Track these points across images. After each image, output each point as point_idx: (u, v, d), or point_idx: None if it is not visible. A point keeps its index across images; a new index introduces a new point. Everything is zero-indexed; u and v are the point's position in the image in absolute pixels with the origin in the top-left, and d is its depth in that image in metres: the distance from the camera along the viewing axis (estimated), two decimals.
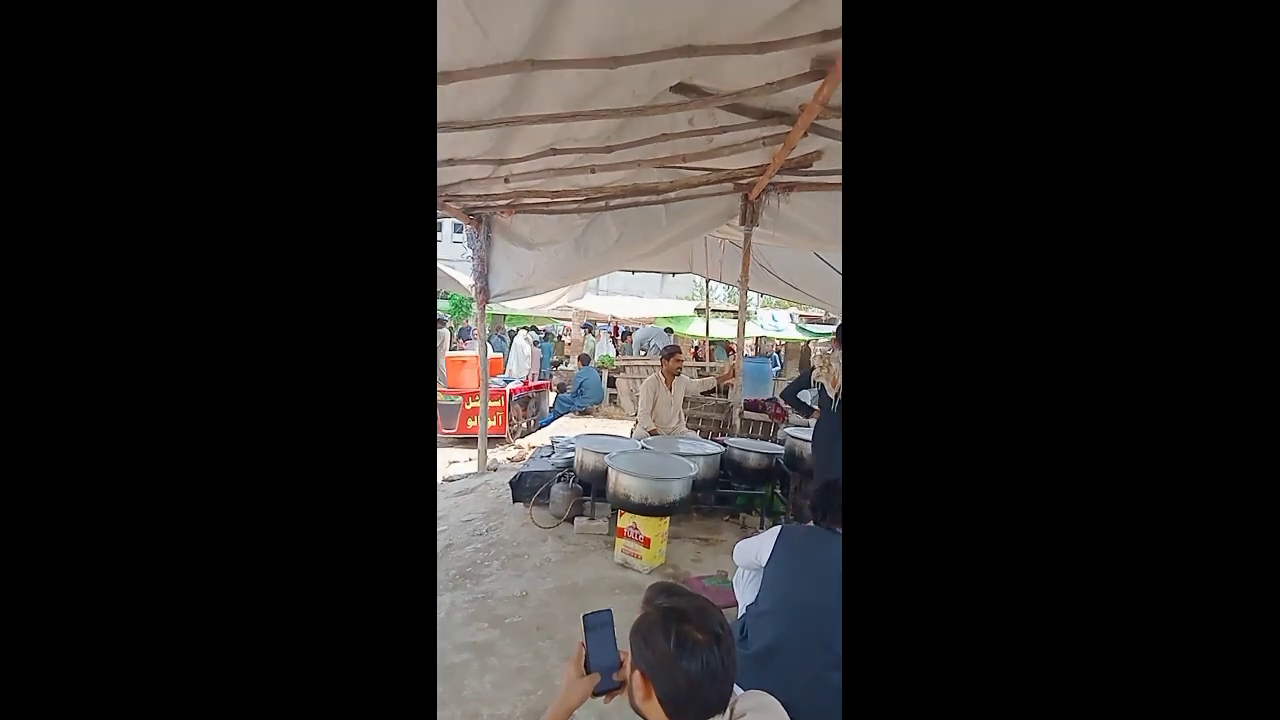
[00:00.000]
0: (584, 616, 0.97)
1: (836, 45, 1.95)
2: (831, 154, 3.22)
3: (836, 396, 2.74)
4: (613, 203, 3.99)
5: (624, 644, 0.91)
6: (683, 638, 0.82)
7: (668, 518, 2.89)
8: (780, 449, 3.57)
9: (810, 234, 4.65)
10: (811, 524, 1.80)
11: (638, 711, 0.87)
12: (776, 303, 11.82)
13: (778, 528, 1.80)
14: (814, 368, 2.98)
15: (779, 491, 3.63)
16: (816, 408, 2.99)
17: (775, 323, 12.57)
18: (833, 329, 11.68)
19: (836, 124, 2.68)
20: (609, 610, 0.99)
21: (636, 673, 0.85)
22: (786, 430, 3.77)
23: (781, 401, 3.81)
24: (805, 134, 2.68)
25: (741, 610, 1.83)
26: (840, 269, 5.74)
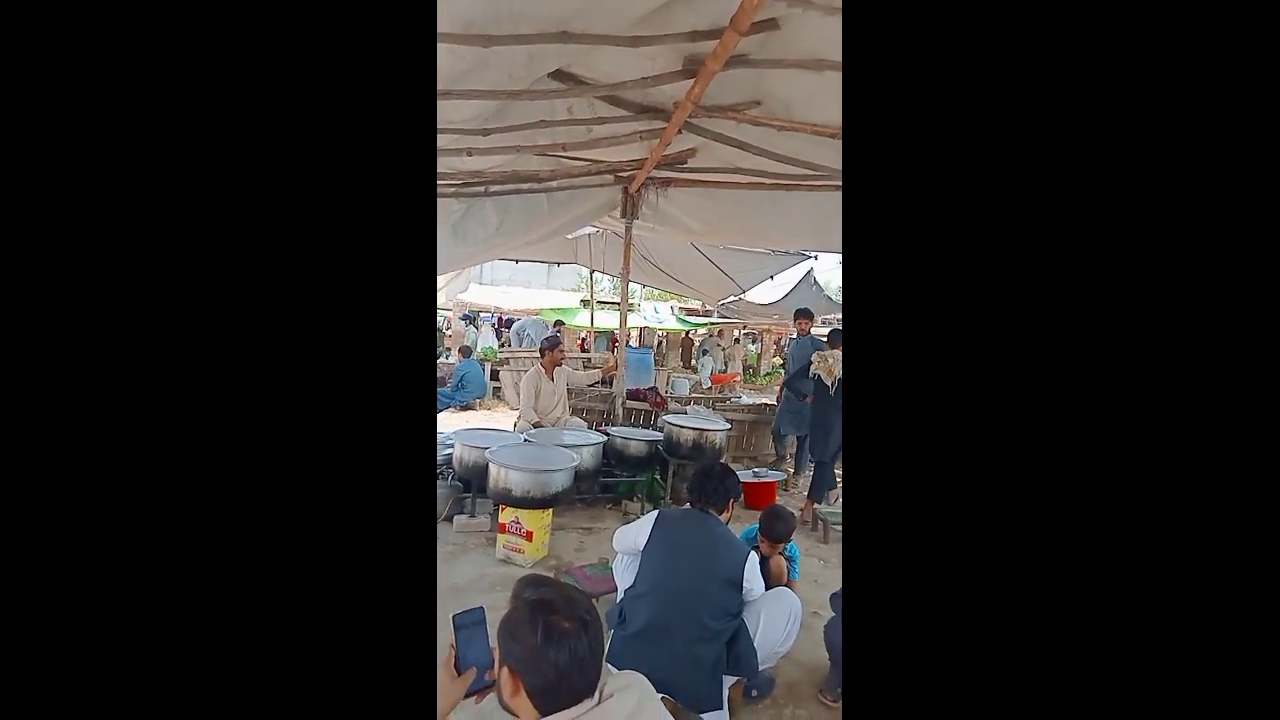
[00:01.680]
0: (453, 617, 0.94)
1: (707, 45, 2.03)
2: (705, 152, 3.36)
3: (835, 384, 3.52)
4: (492, 189, 3.86)
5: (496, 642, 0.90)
6: (550, 628, 0.82)
7: (550, 509, 2.88)
8: (660, 436, 3.69)
9: (687, 228, 4.83)
10: (688, 506, 1.89)
11: (506, 708, 0.86)
12: (659, 295, 12.15)
13: (655, 512, 1.86)
14: (812, 363, 3.69)
15: (659, 477, 3.75)
16: (810, 395, 3.78)
17: (657, 314, 12.92)
18: (709, 320, 12.24)
19: (709, 123, 2.80)
20: (481, 608, 0.96)
21: (504, 669, 0.84)
22: (666, 418, 3.90)
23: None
24: (680, 131, 2.77)
25: (620, 594, 1.88)
26: (717, 263, 6.03)
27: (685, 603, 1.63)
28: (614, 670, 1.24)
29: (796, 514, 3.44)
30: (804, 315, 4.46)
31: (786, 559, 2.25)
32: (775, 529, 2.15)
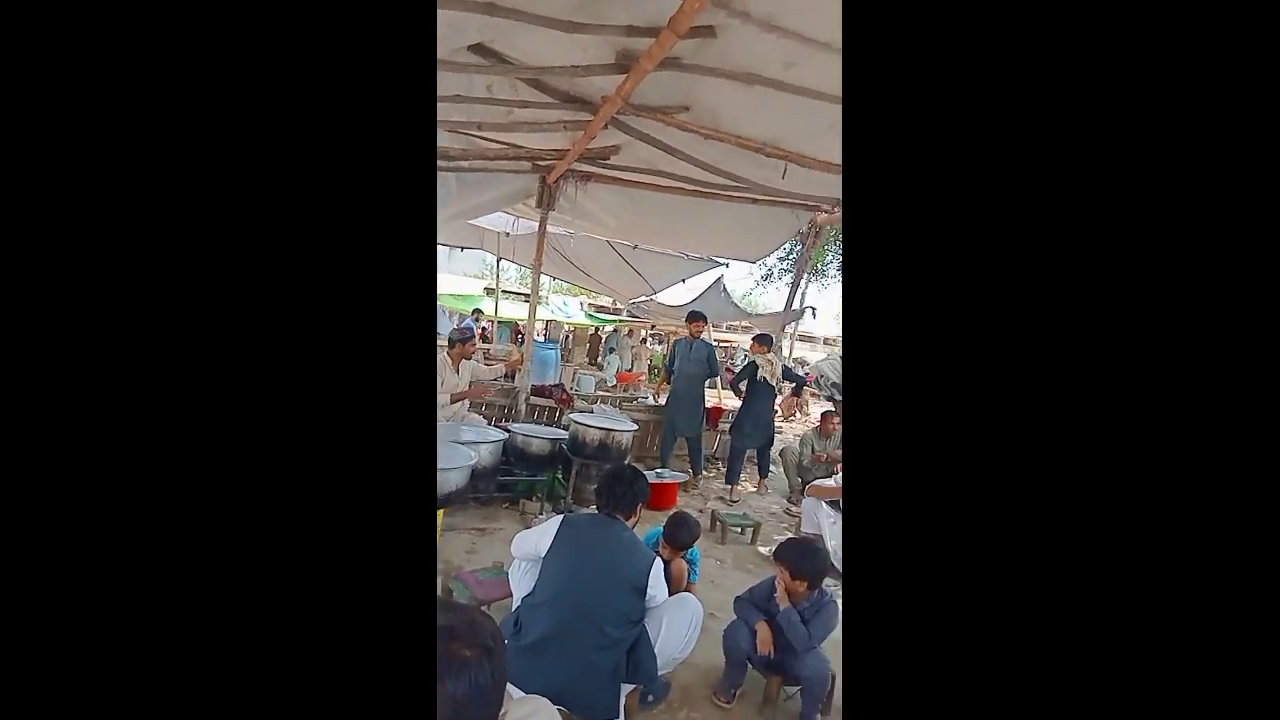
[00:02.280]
0: None
1: (642, 43, 1.99)
2: (629, 150, 3.32)
3: (777, 383, 4.34)
4: None
5: None
6: (449, 658, 0.74)
7: (442, 510, 2.71)
8: (565, 434, 3.61)
9: (604, 225, 4.78)
10: (594, 511, 1.84)
11: None
12: (568, 289, 11.99)
13: (559, 516, 1.80)
14: (756, 364, 4.34)
15: (561, 477, 3.67)
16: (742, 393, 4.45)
17: (565, 308, 12.75)
18: (619, 318, 12.27)
19: (637, 120, 2.77)
20: None
21: None
22: (572, 415, 3.83)
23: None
24: (605, 126, 2.71)
25: (517, 602, 1.79)
26: (631, 262, 6.03)
27: (587, 611, 1.59)
28: (516, 695, 1.16)
29: (697, 516, 3.57)
30: (698, 319, 4.64)
31: (688, 562, 2.27)
32: (680, 537, 2.16)
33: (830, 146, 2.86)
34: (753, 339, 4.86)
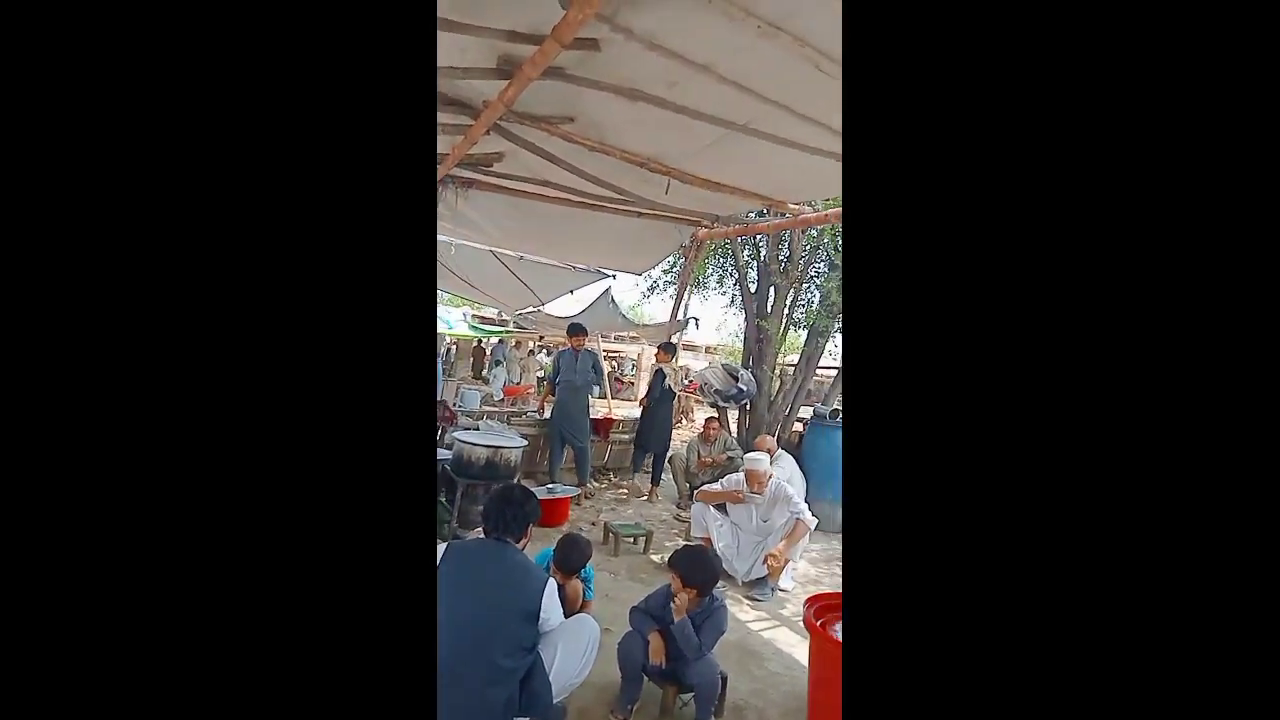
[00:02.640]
0: None
1: (526, 49, 1.95)
2: (513, 159, 3.24)
3: (680, 388, 4.72)
4: None
5: None
6: None
7: None
8: (449, 454, 3.40)
9: (486, 234, 4.62)
10: (482, 536, 1.74)
11: None
12: (450, 299, 11.45)
13: (444, 545, 1.68)
14: (664, 372, 4.66)
15: (445, 500, 3.46)
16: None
17: (447, 320, 12.15)
18: (505, 330, 11.92)
19: (521, 128, 2.71)
20: None
21: None
22: (456, 434, 3.63)
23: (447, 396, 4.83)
24: (488, 132, 2.63)
25: None
26: (517, 273, 5.88)
27: (477, 643, 1.49)
28: None
29: (589, 528, 3.54)
30: (579, 332, 4.66)
31: (582, 580, 2.22)
32: (571, 561, 2.10)
33: (711, 164, 2.99)
34: (658, 348, 5.03)
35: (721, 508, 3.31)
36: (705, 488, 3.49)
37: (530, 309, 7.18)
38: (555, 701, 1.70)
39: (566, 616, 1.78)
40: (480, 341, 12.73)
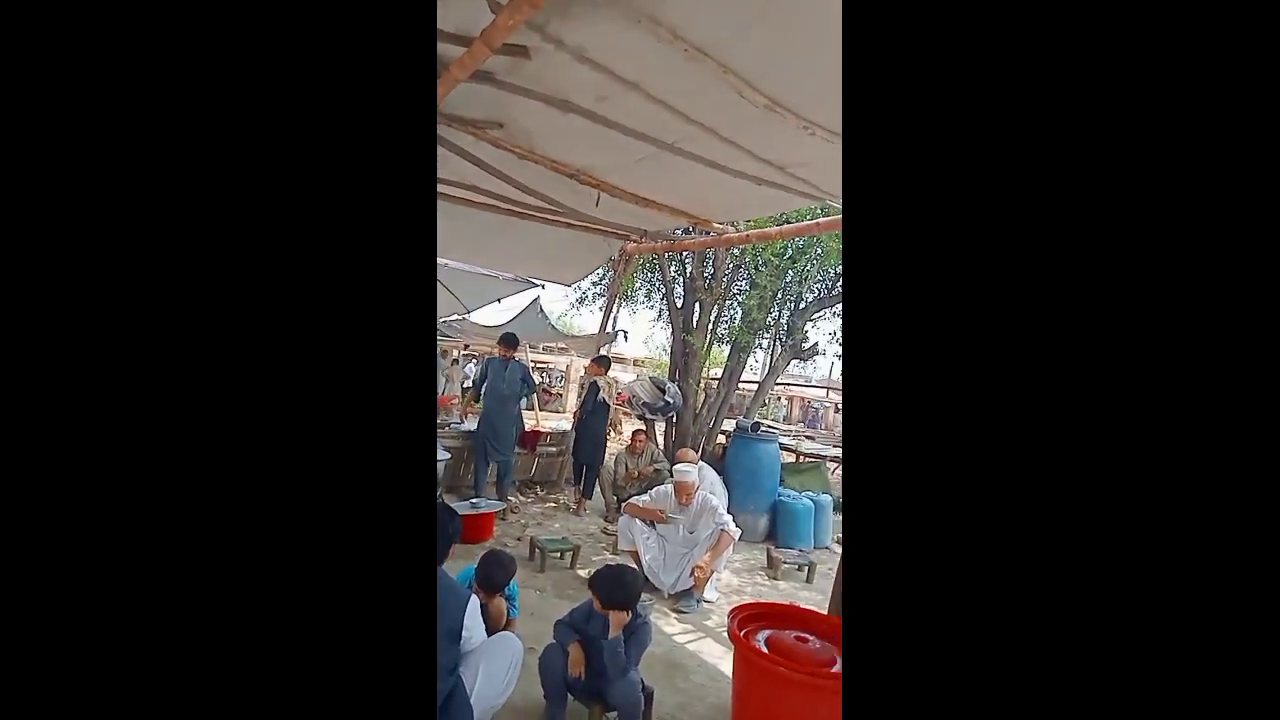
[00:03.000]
0: None
1: (454, 50, 1.90)
2: (441, 163, 3.14)
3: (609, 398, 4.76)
4: None
5: None
6: None
7: None
8: None
9: None
10: None
11: None
12: None
13: None
14: (598, 385, 4.68)
15: None
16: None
17: None
18: (453, 326, 11.45)
19: (449, 131, 2.63)
20: None
21: None
22: None
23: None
24: None
25: None
26: (442, 280, 5.68)
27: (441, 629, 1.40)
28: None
29: (515, 543, 3.43)
30: (509, 343, 4.57)
31: (506, 598, 2.16)
32: (494, 579, 2.03)
33: (640, 180, 3.04)
34: (592, 360, 5.02)
35: (649, 523, 3.32)
36: (633, 500, 3.50)
37: (456, 316, 6.96)
38: None
39: (489, 635, 1.72)
40: None
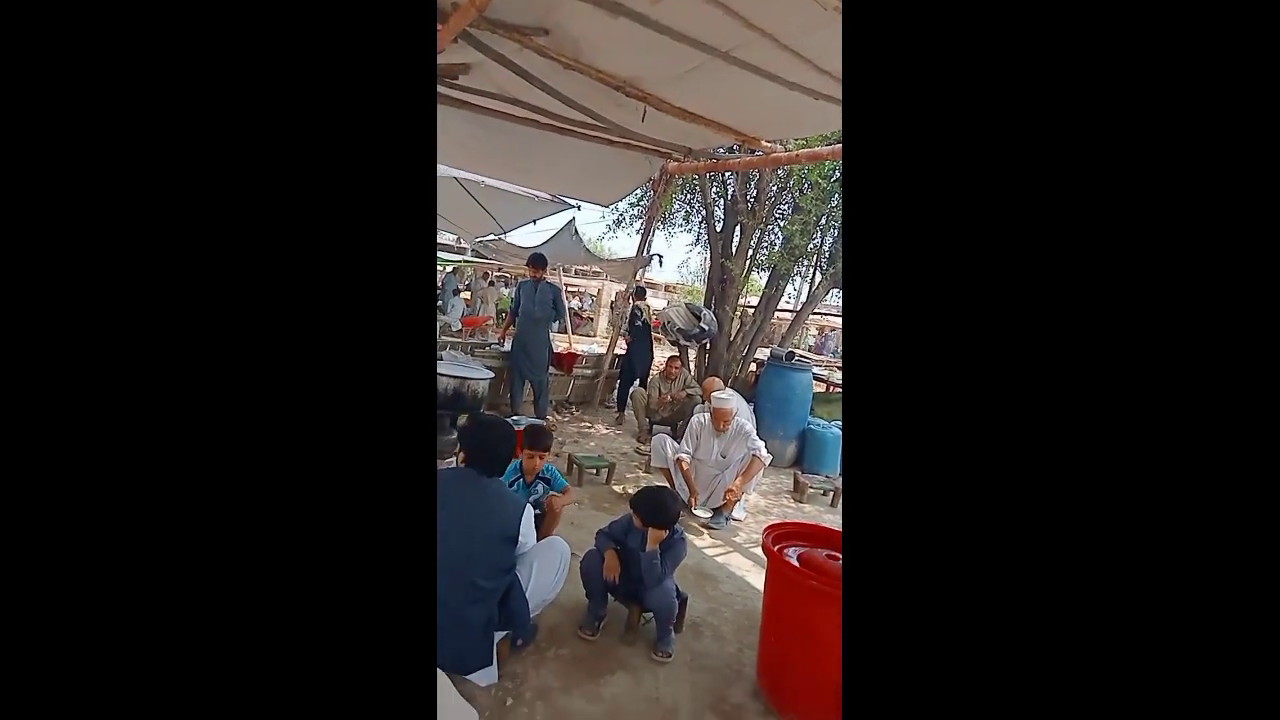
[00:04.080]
0: None
1: None
2: (481, 72, 3.02)
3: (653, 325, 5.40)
4: None
5: None
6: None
7: None
8: None
9: (448, 154, 4.36)
10: (460, 465, 1.75)
11: None
12: None
13: None
14: (639, 309, 5.34)
15: None
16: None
17: None
18: (463, 258, 11.54)
19: (491, 38, 2.51)
20: None
21: None
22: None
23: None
24: (455, 40, 2.42)
25: None
26: (479, 199, 5.62)
27: (458, 566, 1.53)
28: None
29: (553, 461, 3.63)
30: (538, 263, 4.54)
31: (545, 480, 2.34)
32: (542, 440, 2.34)
33: (688, 93, 2.88)
34: (633, 293, 5.60)
35: (681, 441, 3.42)
36: (681, 454, 3.40)
37: (492, 236, 6.93)
38: (530, 618, 1.78)
39: (545, 532, 1.85)
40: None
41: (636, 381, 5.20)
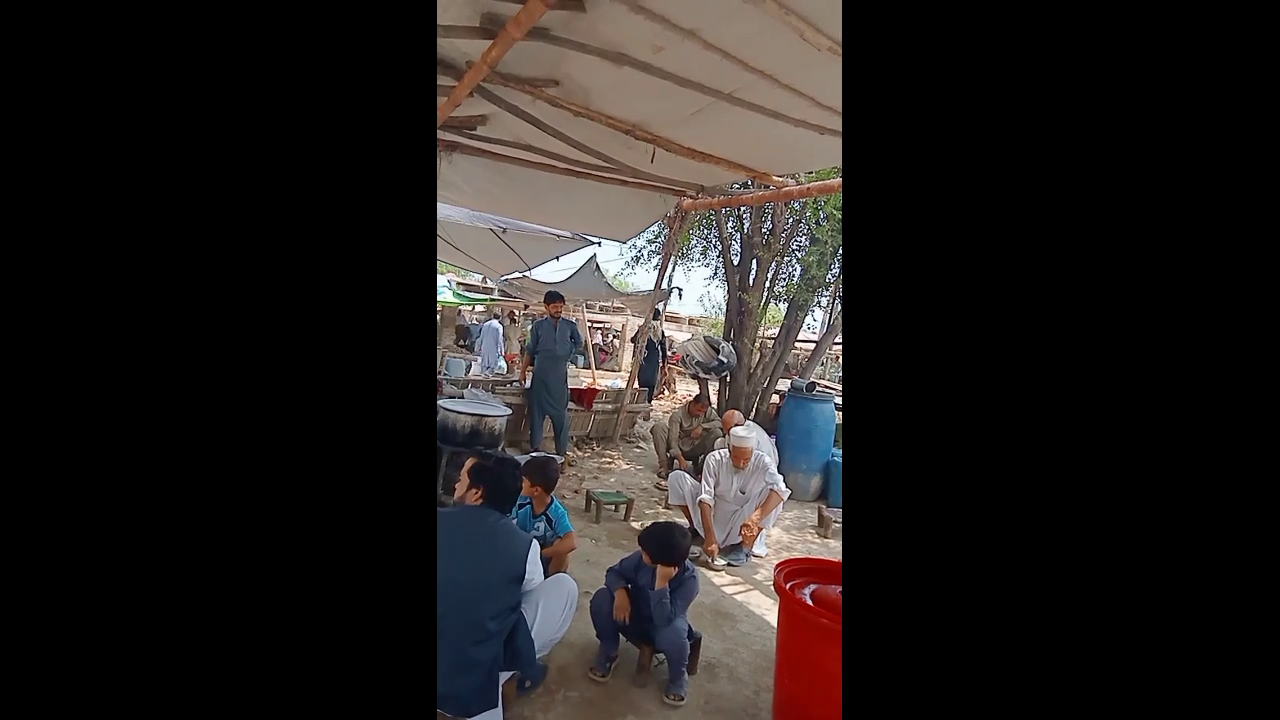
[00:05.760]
0: None
1: (510, 8, 1.90)
2: (497, 122, 3.17)
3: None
4: None
5: None
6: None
7: None
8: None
9: (470, 199, 4.53)
10: (464, 503, 1.77)
11: None
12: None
13: None
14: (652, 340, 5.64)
15: None
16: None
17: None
18: (489, 297, 11.82)
19: (505, 91, 2.64)
20: None
21: None
22: (441, 402, 3.63)
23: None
24: (471, 94, 2.56)
25: None
26: (503, 238, 5.80)
27: (463, 606, 1.53)
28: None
29: (572, 496, 3.60)
30: (556, 300, 4.63)
31: (549, 519, 2.33)
32: (548, 475, 2.34)
33: (696, 134, 2.96)
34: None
35: (699, 476, 3.38)
36: (704, 498, 3.37)
37: (516, 274, 7.11)
38: (537, 657, 1.76)
39: (552, 572, 1.84)
40: (459, 310, 12.58)
41: (653, 413, 5.34)
